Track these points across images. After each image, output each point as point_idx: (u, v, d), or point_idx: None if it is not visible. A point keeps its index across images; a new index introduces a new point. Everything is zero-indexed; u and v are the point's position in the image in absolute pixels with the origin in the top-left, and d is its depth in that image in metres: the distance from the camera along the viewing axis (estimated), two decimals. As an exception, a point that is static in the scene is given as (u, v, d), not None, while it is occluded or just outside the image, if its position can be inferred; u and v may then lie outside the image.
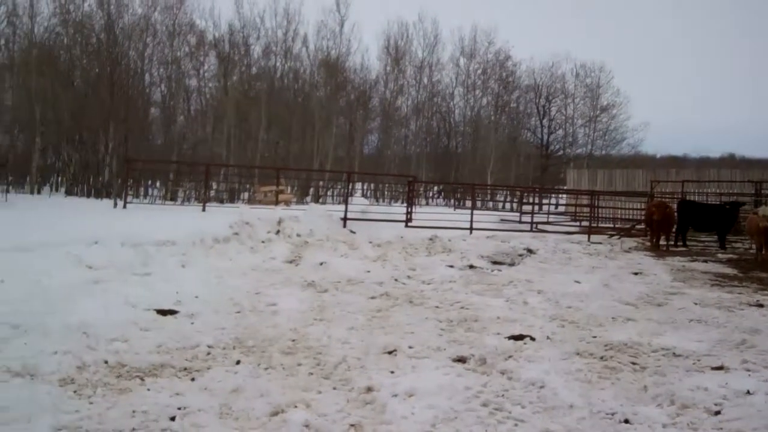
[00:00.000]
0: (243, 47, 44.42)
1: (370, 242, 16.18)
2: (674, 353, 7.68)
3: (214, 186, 34.89)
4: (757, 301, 11.40)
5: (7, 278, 9.16)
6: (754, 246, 18.81)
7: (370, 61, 73.50)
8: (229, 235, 14.67)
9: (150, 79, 43.27)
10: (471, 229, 20.71)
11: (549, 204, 40.09)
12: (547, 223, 27.48)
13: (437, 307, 10.12)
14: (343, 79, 46.71)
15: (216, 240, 14.11)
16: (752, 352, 7.80)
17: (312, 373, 6.65)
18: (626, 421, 5.65)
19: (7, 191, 24.75)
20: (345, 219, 19.79)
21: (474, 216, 21.55)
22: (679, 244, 21.08)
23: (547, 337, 8.32)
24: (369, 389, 6.16)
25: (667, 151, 75.12)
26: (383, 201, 42.08)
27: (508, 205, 43.41)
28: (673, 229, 21.00)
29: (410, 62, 49.69)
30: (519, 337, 8.19)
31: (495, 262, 15.15)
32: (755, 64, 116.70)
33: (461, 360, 7.22)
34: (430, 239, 16.98)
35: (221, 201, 31.73)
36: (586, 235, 21.77)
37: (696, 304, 10.96)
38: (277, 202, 22.54)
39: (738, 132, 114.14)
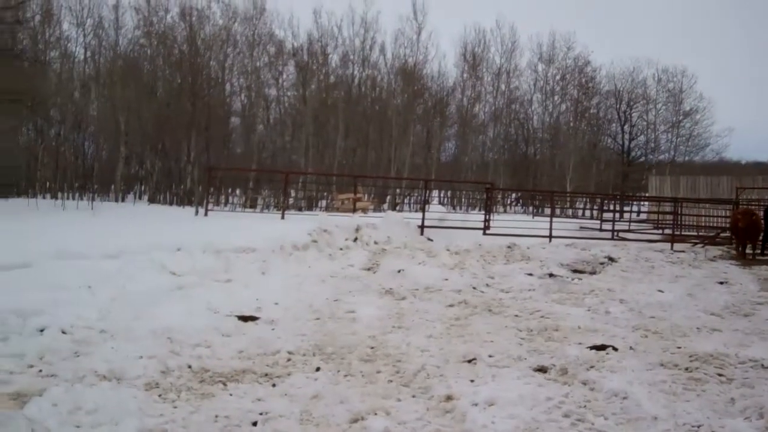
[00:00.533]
0: (321, 56, 44.84)
1: (448, 250, 16.13)
2: (762, 365, 7.46)
3: (293, 194, 35.29)
4: None
5: (95, 284, 9.44)
6: None
7: (447, 68, 73.36)
8: (308, 242, 14.82)
9: (230, 89, 44.10)
10: (550, 237, 20.47)
11: (630, 211, 39.29)
12: (629, 231, 26.90)
13: (516, 315, 10.04)
14: (420, 87, 46.73)
15: (295, 247, 14.27)
16: None
17: (391, 381, 6.67)
18: (714, 435, 5.51)
19: (93, 199, 25.45)
20: (422, 226, 19.78)
21: (553, 223, 21.30)
22: (766, 252, 20.45)
23: (630, 348, 8.17)
24: (449, 398, 6.14)
25: (753, 157, 72.98)
26: (460, 208, 41.88)
27: (588, 213, 42.79)
28: (760, 237, 20.38)
29: (487, 69, 49.38)
30: (601, 347, 8.07)
31: (575, 271, 14.93)
32: None
33: (542, 370, 7.15)
34: (509, 247, 16.86)
35: (300, 208, 32.08)
36: (669, 244, 21.29)
37: (785, 314, 10.63)
38: (354, 210, 22.67)
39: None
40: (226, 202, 34.40)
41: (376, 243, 16.27)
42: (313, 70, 44.80)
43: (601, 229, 25.45)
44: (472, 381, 6.67)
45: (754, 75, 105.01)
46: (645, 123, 54.40)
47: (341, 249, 15.30)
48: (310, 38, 44.55)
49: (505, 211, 39.99)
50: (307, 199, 37.03)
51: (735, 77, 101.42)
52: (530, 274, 13.90)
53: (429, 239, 18.34)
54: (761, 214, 20.88)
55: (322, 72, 45.51)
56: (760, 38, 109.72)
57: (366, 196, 32.76)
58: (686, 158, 52.98)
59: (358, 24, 45.03)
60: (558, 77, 50.36)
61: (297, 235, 14.99)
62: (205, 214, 20.62)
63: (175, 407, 5.68)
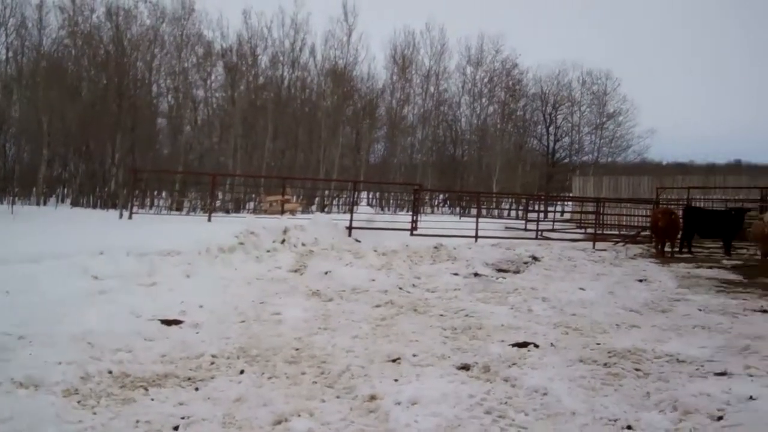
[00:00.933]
0: (250, 57, 44.58)
1: (375, 251, 16.18)
2: (678, 359, 7.69)
3: (220, 196, 35.02)
4: (762, 307, 11.38)
5: (13, 289, 9.22)
6: (759, 252, 18.79)
7: (377, 70, 73.42)
8: (235, 245, 14.71)
9: (157, 90, 43.61)
10: (476, 237, 20.71)
11: (554, 212, 39.95)
12: (553, 230, 27.42)
13: (442, 315, 10.13)
14: (350, 89, 46.81)
15: (221, 250, 14.15)
16: (756, 358, 7.79)
17: (316, 382, 6.67)
18: (629, 428, 5.66)
19: (13, 203, 24.84)
20: (350, 228, 19.84)
21: (479, 224, 21.57)
22: (684, 250, 21.04)
23: (551, 344, 8.33)
24: (372, 397, 6.17)
25: (674, 158, 74.99)
26: (389, 210, 42.04)
27: (513, 213, 43.38)
28: (679, 236, 20.97)
29: (417, 71, 49.74)
30: (523, 345, 8.21)
31: (500, 270, 15.13)
32: (760, 68, 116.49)
33: (465, 367, 7.24)
34: (435, 247, 17.01)
35: (227, 211, 31.82)
36: (591, 243, 21.76)
37: (700, 310, 10.97)
38: (282, 212, 22.60)
39: (744, 138, 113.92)
40: (152, 205, 33.99)
41: (303, 245, 16.24)
42: (242, 72, 44.54)
43: (525, 229, 25.92)
44: (396, 380, 6.71)
45: (676, 78, 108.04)
46: (570, 125, 55.58)
47: (268, 251, 15.22)
48: (240, 39, 44.36)
49: (432, 212, 40.33)
50: (234, 201, 36.79)
51: (657, 80, 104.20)
52: (456, 274, 14.03)
53: (357, 240, 18.39)
54: (680, 213, 21.49)
55: (251, 73, 45.27)
56: (681, 41, 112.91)
57: (294, 197, 32.58)
58: (609, 159, 54.27)
59: (288, 25, 44.92)
60: (486, 80, 51.00)
61: (223, 237, 14.86)
62: (130, 217, 20.33)
63: (95, 413, 5.58)
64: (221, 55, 44.52)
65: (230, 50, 44.32)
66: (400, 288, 12.41)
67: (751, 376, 7.04)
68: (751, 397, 6.20)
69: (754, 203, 25.68)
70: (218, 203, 32.84)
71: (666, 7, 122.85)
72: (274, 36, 45.18)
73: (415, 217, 22.55)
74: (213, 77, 45.22)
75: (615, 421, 5.78)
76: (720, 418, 5.81)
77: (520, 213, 40.07)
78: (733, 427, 5.60)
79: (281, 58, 45.39)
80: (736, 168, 60.54)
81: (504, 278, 14.09)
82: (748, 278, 15.24)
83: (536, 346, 8.18)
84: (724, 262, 18.54)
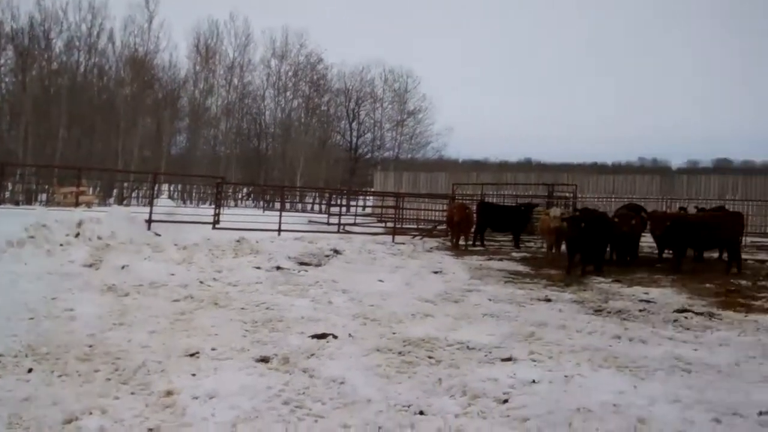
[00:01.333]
0: (44, 41, 42.34)
1: (176, 245, 15.83)
2: (468, 346, 8.07)
3: (9, 186, 33.05)
4: (546, 296, 12.19)
5: None
6: (545, 245, 20.02)
7: (180, 59, 71.82)
8: (24, 238, 13.97)
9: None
10: (279, 230, 20.74)
11: (357, 206, 40.73)
12: (355, 224, 27.91)
13: (243, 308, 10.10)
14: (151, 77, 45.59)
15: (9, 243, 13.40)
16: (539, 344, 8.35)
17: (110, 379, 6.49)
18: (421, 413, 5.89)
19: None
20: (150, 221, 19.28)
21: (282, 218, 21.63)
22: (477, 243, 22.05)
23: (349, 335, 8.52)
24: (169, 393, 6.10)
25: (470, 156, 78.42)
26: (191, 203, 41.28)
27: (317, 207, 43.74)
28: (473, 230, 21.95)
29: (221, 62, 49.22)
30: (322, 336, 8.35)
31: (302, 263, 15.25)
32: (549, 69, 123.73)
33: (264, 360, 7.29)
34: (238, 241, 16.87)
35: (17, 203, 30.10)
36: (391, 236, 22.33)
37: (490, 300, 11.58)
38: (77, 204, 21.66)
39: (534, 137, 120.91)
40: (-70, 196, 31.52)
41: (99, 238, 15.62)
42: (35, 56, 42.21)
43: (328, 223, 26.24)
44: (194, 375, 6.66)
45: (468, 76, 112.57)
46: (372, 121, 56.77)
47: (61, 245, 14.53)
48: (32, 21, 42.06)
49: (236, 206, 40.01)
50: (25, 192, 34.81)
51: (453, 79, 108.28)
52: (258, 268, 14.02)
53: (156, 234, 17.92)
54: (474, 208, 22.51)
55: (44, 57, 42.98)
56: (476, 42, 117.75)
57: (90, 189, 31.37)
58: (409, 155, 55.93)
59: (86, 9, 43.23)
60: (291, 73, 51.10)
61: (12, 230, 14.06)
62: None
63: None
64: (11, 38, 41.95)
65: (21, 32, 41.91)
66: (201, 282, 12.25)
67: (534, 361, 7.53)
68: (533, 381, 6.67)
69: (541, 199, 27.28)
70: (7, 194, 30.99)
71: (462, 6, 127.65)
72: (69, 19, 43.36)
73: (217, 211, 22.27)
74: (2, 60, 42.60)
75: (408, 407, 6.01)
76: (505, 401, 6.17)
77: (324, 207, 40.48)
78: (517, 409, 5.95)
79: (77, 43, 43.60)
80: (527, 166, 64.21)
81: (306, 271, 14.22)
82: (534, 269, 16.23)
83: (335, 337, 8.35)
84: (514, 254, 19.64)
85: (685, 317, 10.42)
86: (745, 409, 5.94)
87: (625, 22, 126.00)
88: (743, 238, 18.61)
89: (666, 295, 12.62)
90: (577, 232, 15.52)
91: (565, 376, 6.83)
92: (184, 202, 40.80)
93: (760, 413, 5.86)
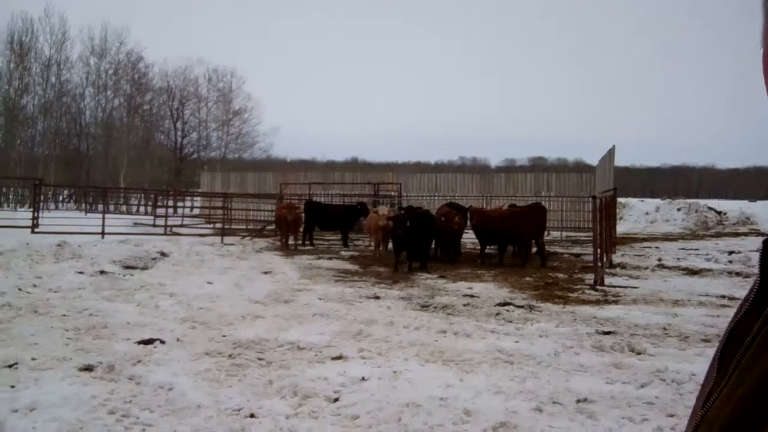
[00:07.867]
0: None
1: (-10, 251, 15.02)
2: (299, 347, 8.12)
3: None
4: (375, 294, 12.43)
5: None
6: (372, 243, 20.36)
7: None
8: None
9: None
10: (103, 233, 20.07)
11: (184, 207, 39.87)
12: (182, 226, 27.40)
13: (64, 315, 9.72)
14: (-43, 75, 42.83)
15: None
16: (368, 341, 8.50)
17: None
18: (252, 416, 5.87)
19: None
20: (-42, 226, 18.20)
21: (106, 220, 20.94)
22: (306, 243, 22.16)
23: (178, 340, 8.37)
24: (-16, 408, 5.79)
25: (297, 155, 78.62)
26: (7, 206, 39.11)
27: (142, 209, 42.56)
28: (301, 229, 22.04)
29: (36, 59, 46.86)
30: (149, 342, 8.16)
31: (127, 267, 14.83)
32: (371, 69, 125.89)
33: (88, 369, 7.04)
34: (59, 245, 16.18)
35: None
36: (220, 237, 22.09)
37: (320, 299, 11.70)
38: None
39: (360, 137, 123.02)
40: None
41: None
42: None
43: (154, 225, 25.68)
44: (12, 387, 6.35)
45: (294, 78, 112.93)
46: (197, 120, 55.82)
47: None
48: None
49: (57, 209, 38.28)
50: None
51: (278, 81, 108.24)
52: (81, 273, 13.53)
53: (-34, 240, 16.91)
54: (302, 208, 22.63)
55: None
56: (299, 43, 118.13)
57: None
58: (237, 155, 55.38)
59: None
60: (111, 72, 49.44)
61: None
62: None
63: None
64: None
65: None
66: (19, 289, 11.65)
67: (363, 359, 7.67)
68: (363, 378, 6.79)
69: (367, 197, 27.73)
70: None
71: (284, 10, 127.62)
72: None
73: (36, 214, 21.30)
74: None
75: (239, 410, 5.98)
76: (336, 399, 6.27)
77: (149, 209, 39.44)
78: (347, 407, 6.05)
79: None
80: (353, 165, 65.01)
81: (132, 275, 13.85)
82: (363, 268, 16.50)
83: (162, 342, 8.18)
84: (343, 253, 19.87)
85: (507, 310, 10.89)
86: (564, 398, 6.30)
87: (431, 23, 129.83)
88: (546, 233, 19.64)
89: (489, 290, 13.16)
90: (403, 230, 15.87)
91: (394, 372, 7.00)
92: (0, 206, 38.62)
93: (578, 401, 6.23)
